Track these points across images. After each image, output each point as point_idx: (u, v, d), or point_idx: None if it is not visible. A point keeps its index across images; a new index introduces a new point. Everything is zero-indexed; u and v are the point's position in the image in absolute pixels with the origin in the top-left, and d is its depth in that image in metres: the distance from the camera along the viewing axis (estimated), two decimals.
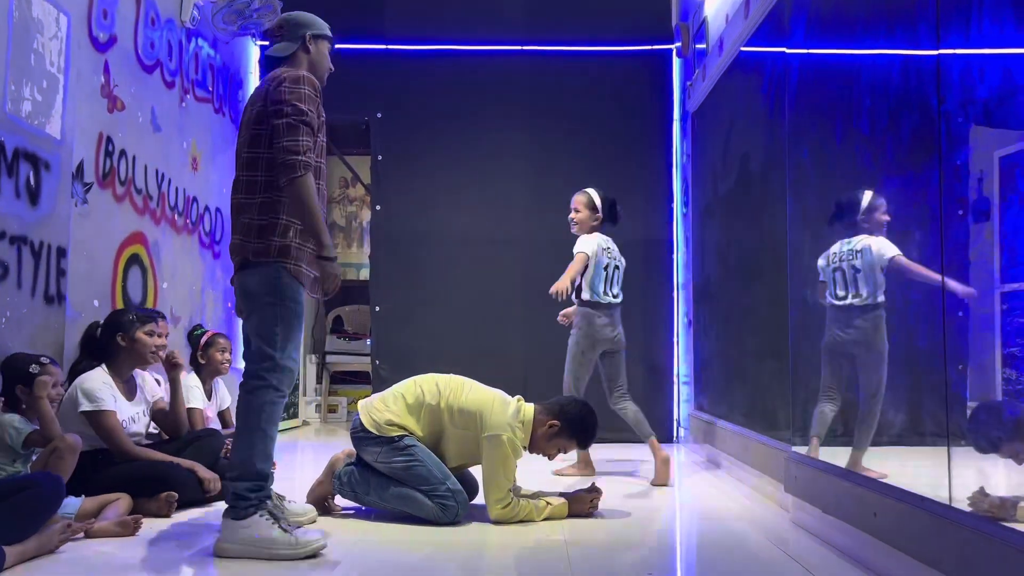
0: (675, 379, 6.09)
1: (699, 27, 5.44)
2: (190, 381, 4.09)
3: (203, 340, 4.25)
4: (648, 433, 4.23)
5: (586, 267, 4.27)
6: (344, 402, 7.30)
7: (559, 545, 2.84)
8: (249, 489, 2.63)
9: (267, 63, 2.92)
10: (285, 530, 2.62)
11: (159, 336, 3.48)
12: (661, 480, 4.07)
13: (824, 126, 3.24)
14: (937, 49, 2.28)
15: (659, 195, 6.18)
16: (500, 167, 6.15)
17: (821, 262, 3.01)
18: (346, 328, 7.55)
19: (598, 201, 4.45)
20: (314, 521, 3.10)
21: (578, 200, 4.49)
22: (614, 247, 4.42)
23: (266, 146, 2.69)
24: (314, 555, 2.60)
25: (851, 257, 2.82)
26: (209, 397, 4.25)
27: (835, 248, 2.93)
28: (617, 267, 4.39)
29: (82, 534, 2.76)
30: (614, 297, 4.37)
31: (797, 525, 3.12)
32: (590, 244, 4.31)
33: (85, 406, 3.23)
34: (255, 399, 2.67)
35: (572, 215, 4.47)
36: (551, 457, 3.36)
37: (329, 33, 2.96)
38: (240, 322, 5.66)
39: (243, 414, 2.70)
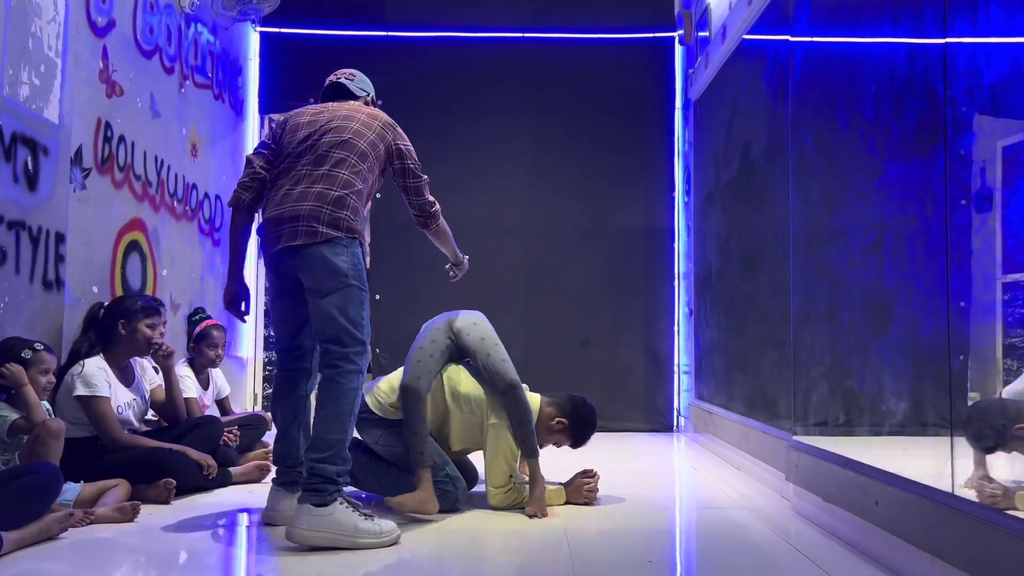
0: (676, 368, 6.08)
1: (702, 14, 5.40)
2: (183, 371, 4.08)
3: (196, 331, 4.23)
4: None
5: None
6: None
7: (559, 532, 2.83)
8: (338, 473, 2.61)
9: (333, 90, 3.12)
10: (367, 515, 2.60)
11: (159, 329, 3.48)
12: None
13: (827, 114, 3.22)
14: (944, 37, 2.26)
15: (661, 183, 6.16)
16: (501, 155, 6.12)
17: None
18: None
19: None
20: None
21: None
22: None
23: (374, 172, 2.88)
24: (393, 544, 2.59)
25: None
26: (205, 386, 4.24)
27: None
28: None
29: (84, 524, 2.75)
30: None
31: (798, 514, 3.11)
32: None
33: (80, 391, 3.22)
34: (347, 382, 2.68)
35: None
36: (542, 447, 3.36)
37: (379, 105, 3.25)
38: (268, 307, 5.67)
39: (334, 396, 2.67)
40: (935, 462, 2.25)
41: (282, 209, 2.77)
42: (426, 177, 3.06)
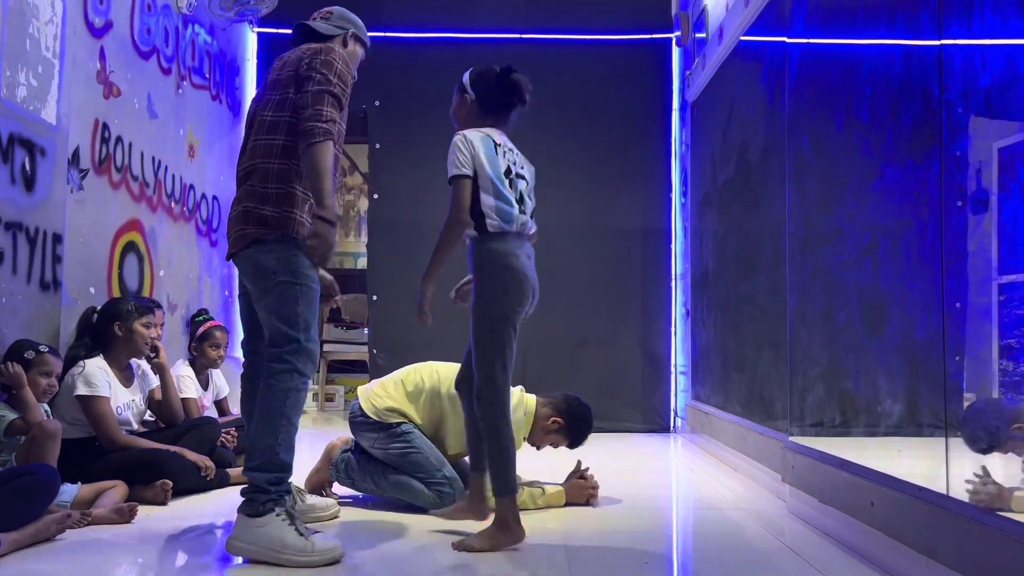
0: (672, 369, 6.09)
1: (699, 16, 5.41)
2: (184, 371, 4.09)
3: (199, 332, 4.24)
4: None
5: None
6: (341, 391, 7.30)
7: (557, 534, 2.84)
8: (270, 481, 2.46)
9: (299, 33, 2.80)
10: (301, 533, 2.43)
11: (156, 327, 3.48)
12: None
13: (824, 115, 3.23)
14: (939, 39, 2.27)
15: (658, 184, 6.16)
16: None
17: None
18: (343, 317, 7.54)
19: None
20: (336, 516, 2.99)
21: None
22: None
23: (291, 110, 2.57)
24: (331, 563, 2.41)
25: None
26: (205, 386, 4.25)
27: None
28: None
29: (82, 525, 2.75)
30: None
31: (794, 514, 3.12)
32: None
33: (80, 390, 3.22)
34: (279, 383, 2.51)
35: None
36: (539, 448, 3.37)
37: (367, 42, 2.92)
38: (234, 309, 5.69)
39: (266, 400, 2.52)
40: (930, 463, 2.26)
41: (231, 210, 2.68)
42: (330, 89, 2.51)
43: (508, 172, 2.76)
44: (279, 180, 2.57)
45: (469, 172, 2.67)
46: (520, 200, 2.76)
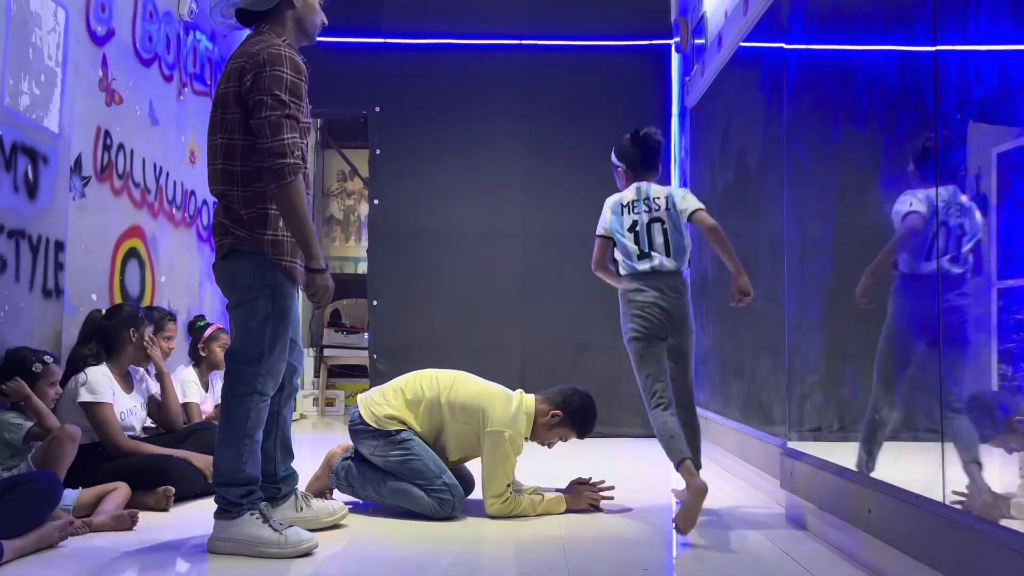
0: None
1: (698, 22, 5.43)
2: (187, 375, 4.11)
3: (206, 333, 4.25)
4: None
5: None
6: (342, 396, 7.32)
7: (556, 541, 2.85)
8: (240, 495, 2.58)
9: (240, 18, 2.66)
10: (275, 529, 2.57)
11: (169, 338, 3.53)
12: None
13: (822, 122, 3.25)
14: (935, 45, 2.28)
15: None
16: (498, 161, 6.15)
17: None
18: (344, 322, 7.56)
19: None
20: (344, 517, 3.00)
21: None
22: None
23: (242, 132, 2.50)
24: (304, 555, 2.57)
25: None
26: (206, 390, 4.27)
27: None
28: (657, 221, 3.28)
29: (84, 532, 2.77)
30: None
31: (792, 520, 3.13)
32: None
33: (84, 397, 3.24)
34: (240, 407, 2.57)
35: None
36: (551, 446, 3.37)
37: None
38: None
39: (228, 421, 2.58)
40: (927, 469, 2.27)
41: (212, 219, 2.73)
42: (284, 112, 2.42)
43: (633, 226, 3.29)
44: (247, 205, 2.56)
45: (601, 232, 3.43)
46: (649, 245, 3.27)
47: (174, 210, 4.69)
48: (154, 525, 2.96)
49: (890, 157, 2.67)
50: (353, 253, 8.19)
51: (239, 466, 2.58)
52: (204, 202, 5.14)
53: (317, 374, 7.32)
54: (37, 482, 2.61)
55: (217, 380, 4.41)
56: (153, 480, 3.20)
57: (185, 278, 4.86)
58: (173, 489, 3.20)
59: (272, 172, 2.44)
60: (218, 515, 2.61)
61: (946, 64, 2.25)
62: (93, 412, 3.24)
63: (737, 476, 4.12)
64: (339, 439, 3.64)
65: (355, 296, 7.45)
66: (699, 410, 5.23)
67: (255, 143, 2.49)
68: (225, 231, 2.59)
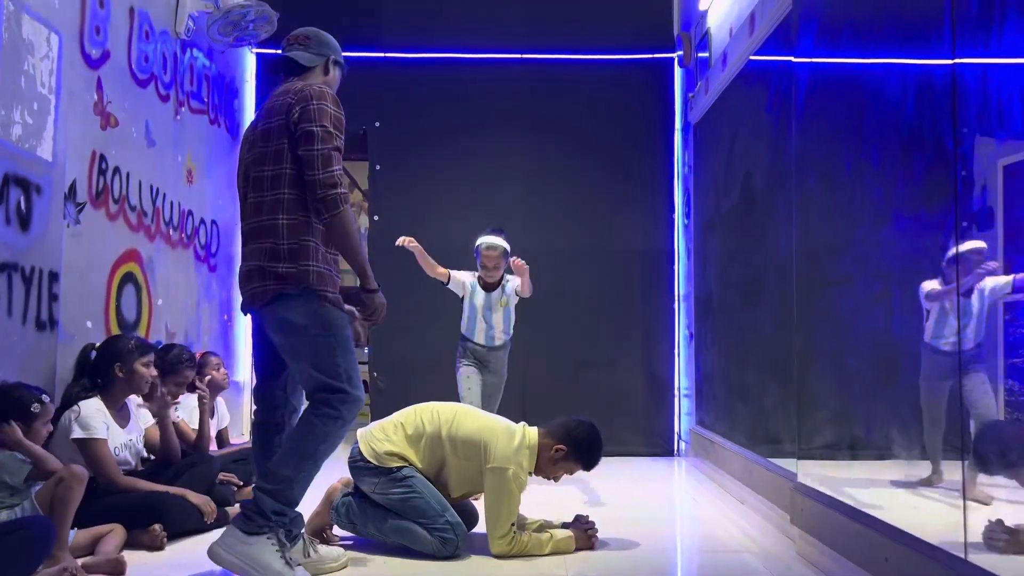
0: (676, 392, 6.04)
1: (702, 37, 5.37)
2: (190, 402, 4.03)
3: (198, 360, 4.18)
4: None
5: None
6: None
7: None
8: (274, 510, 2.52)
9: (283, 65, 2.78)
10: (287, 563, 2.50)
11: (155, 368, 3.43)
12: None
13: (832, 148, 3.18)
14: (953, 59, 2.21)
15: (660, 205, 6.12)
16: (499, 176, 6.08)
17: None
18: None
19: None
20: (345, 566, 2.91)
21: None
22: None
23: (291, 162, 2.56)
24: None
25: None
26: (212, 415, 4.19)
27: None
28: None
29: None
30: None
31: (803, 558, 3.06)
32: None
33: (77, 433, 3.17)
34: (322, 425, 2.55)
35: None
36: (556, 480, 3.30)
37: (343, 63, 2.89)
38: (233, 333, 5.64)
39: (304, 435, 2.56)
40: (947, 513, 2.21)
41: (242, 266, 2.70)
42: (333, 145, 2.54)
43: None
44: (292, 234, 2.57)
45: None
46: None
47: (171, 231, 4.62)
48: (149, 565, 2.89)
49: (905, 196, 2.60)
50: None
51: (290, 483, 2.55)
52: (201, 221, 5.06)
53: None
54: (30, 528, 2.55)
55: (220, 405, 4.34)
56: (149, 518, 3.13)
57: (182, 299, 4.79)
58: (162, 527, 3.11)
59: (326, 203, 2.52)
60: (238, 522, 2.53)
61: (964, 78, 2.19)
62: (87, 449, 3.17)
63: (745, 504, 4.04)
64: (341, 461, 3.54)
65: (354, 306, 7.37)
66: (705, 432, 5.19)
67: (300, 172, 2.55)
68: (264, 275, 2.58)
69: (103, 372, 3.34)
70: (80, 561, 2.79)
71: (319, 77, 2.77)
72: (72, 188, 3.59)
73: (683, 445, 5.92)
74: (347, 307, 2.69)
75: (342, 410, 2.57)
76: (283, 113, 2.59)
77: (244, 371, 5.89)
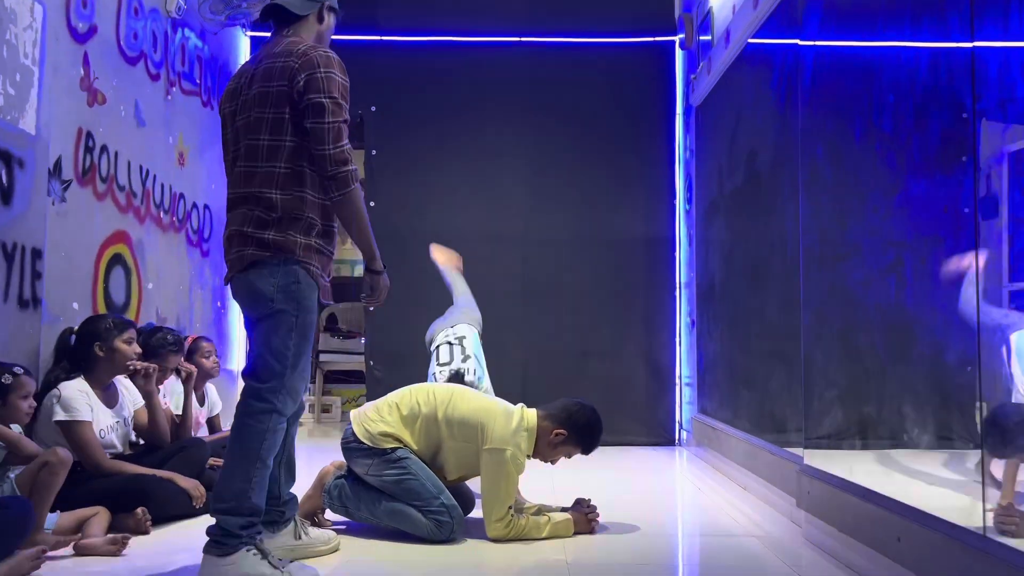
0: (677, 380, 5.94)
1: (704, 18, 5.27)
2: (176, 388, 3.93)
3: (187, 346, 4.08)
4: None
5: None
6: (338, 402, 7.15)
7: (561, 566, 2.69)
8: (241, 526, 2.35)
9: (273, 12, 2.57)
10: (275, 566, 2.35)
11: (135, 346, 3.32)
12: None
13: (840, 124, 3.09)
14: (972, 41, 2.12)
15: (660, 191, 6.02)
16: (498, 162, 5.98)
17: None
18: (340, 326, 7.39)
19: None
20: (337, 549, 2.82)
21: None
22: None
23: (291, 134, 2.42)
24: None
25: None
26: (201, 402, 4.11)
27: None
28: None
29: (67, 549, 2.64)
30: None
31: (810, 542, 2.97)
32: None
33: (59, 415, 3.07)
34: (257, 424, 2.38)
35: None
36: (554, 463, 3.21)
37: (338, 9, 2.69)
38: (227, 320, 5.54)
39: (241, 440, 2.39)
40: (959, 490, 2.12)
41: (224, 231, 2.55)
42: (343, 117, 2.42)
43: None
44: (284, 209, 2.43)
45: None
46: None
47: (162, 214, 4.52)
48: (137, 549, 2.79)
49: (918, 163, 2.51)
50: (350, 256, 8.03)
51: (246, 494, 2.36)
52: (194, 205, 4.96)
53: (313, 380, 7.15)
54: (8, 509, 2.46)
55: (210, 391, 4.25)
56: (137, 501, 3.04)
57: (174, 284, 4.69)
58: (147, 511, 3.01)
59: (337, 180, 2.41)
60: (209, 549, 2.36)
61: (984, 61, 2.10)
62: (71, 431, 3.07)
63: (749, 490, 3.94)
64: (335, 447, 3.45)
65: (352, 300, 7.29)
66: (708, 419, 5.09)
67: (303, 145, 2.43)
68: (245, 240, 2.43)
69: (83, 353, 3.23)
70: (81, 542, 2.73)
71: (313, 26, 2.58)
72: (57, 164, 3.49)
73: (684, 434, 5.82)
74: (330, 302, 2.57)
75: (275, 402, 2.40)
76: (285, 79, 2.41)
77: (238, 360, 5.79)
